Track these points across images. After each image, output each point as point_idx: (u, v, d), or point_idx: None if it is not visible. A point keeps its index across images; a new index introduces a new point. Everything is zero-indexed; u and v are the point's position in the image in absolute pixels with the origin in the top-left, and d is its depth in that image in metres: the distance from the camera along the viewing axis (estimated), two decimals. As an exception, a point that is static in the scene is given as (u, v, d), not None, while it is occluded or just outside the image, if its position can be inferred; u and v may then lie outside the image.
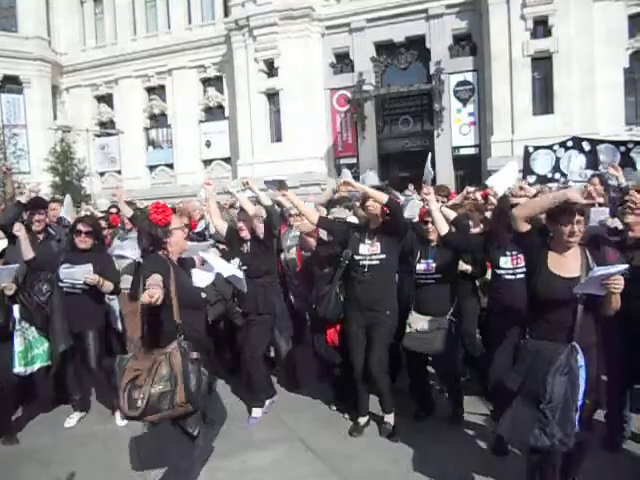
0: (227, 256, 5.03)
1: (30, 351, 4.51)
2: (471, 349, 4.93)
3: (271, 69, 24.76)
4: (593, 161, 8.16)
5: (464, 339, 4.76)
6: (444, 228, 4.26)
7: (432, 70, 22.85)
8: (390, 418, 4.46)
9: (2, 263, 4.78)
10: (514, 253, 4.09)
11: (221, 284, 4.94)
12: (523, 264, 3.79)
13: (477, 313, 5.00)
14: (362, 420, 4.57)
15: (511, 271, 4.14)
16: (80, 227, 4.78)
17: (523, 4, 20.37)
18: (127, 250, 5.40)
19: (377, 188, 4.61)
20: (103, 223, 6.22)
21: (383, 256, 4.34)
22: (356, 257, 4.39)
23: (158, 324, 3.12)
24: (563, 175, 8.11)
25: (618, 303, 2.84)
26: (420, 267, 4.51)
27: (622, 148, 8.04)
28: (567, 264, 2.96)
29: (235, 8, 25.12)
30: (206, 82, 28.09)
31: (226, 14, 26.35)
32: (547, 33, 20.51)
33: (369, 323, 4.37)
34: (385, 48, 24.21)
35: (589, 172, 7.80)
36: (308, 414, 4.97)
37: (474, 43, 22.75)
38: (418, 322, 4.45)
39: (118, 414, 4.93)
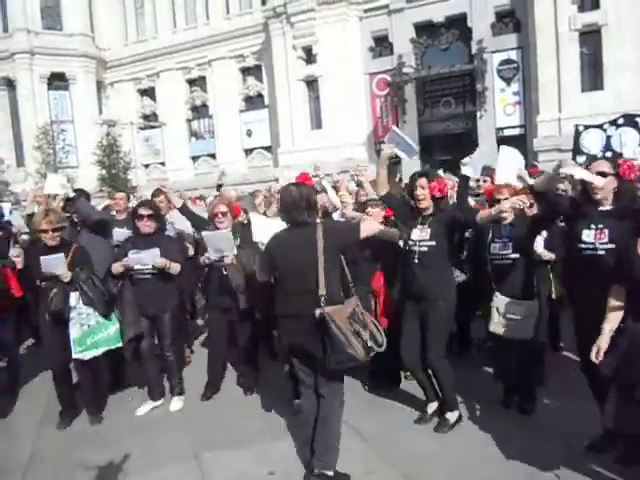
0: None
1: (91, 337, 4.63)
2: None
3: (309, 56, 24.67)
4: (648, 137, 7.81)
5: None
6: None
7: (474, 50, 22.25)
8: (452, 415, 4.21)
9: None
10: (600, 227, 3.54)
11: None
12: (607, 239, 3.47)
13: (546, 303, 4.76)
14: (430, 407, 4.36)
15: (592, 246, 3.57)
16: (142, 211, 4.84)
17: (570, -25, 19.57)
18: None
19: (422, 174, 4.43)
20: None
21: (433, 243, 4.14)
22: (409, 242, 4.24)
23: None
24: (615, 153, 7.77)
25: None
26: (495, 247, 4.28)
27: (677, 122, 7.68)
28: None
29: (272, -4, 25.10)
30: (245, 71, 28.26)
31: (263, 2, 26.35)
32: (595, 5, 19.63)
33: (422, 313, 4.18)
34: (425, 29, 23.72)
35: (645, 149, 7.48)
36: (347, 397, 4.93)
37: (518, 19, 22.01)
38: (508, 306, 4.18)
39: (175, 399, 5.07)
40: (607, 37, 19.45)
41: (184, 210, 5.46)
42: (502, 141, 22.29)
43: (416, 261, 4.15)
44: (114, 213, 6.38)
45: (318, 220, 3.65)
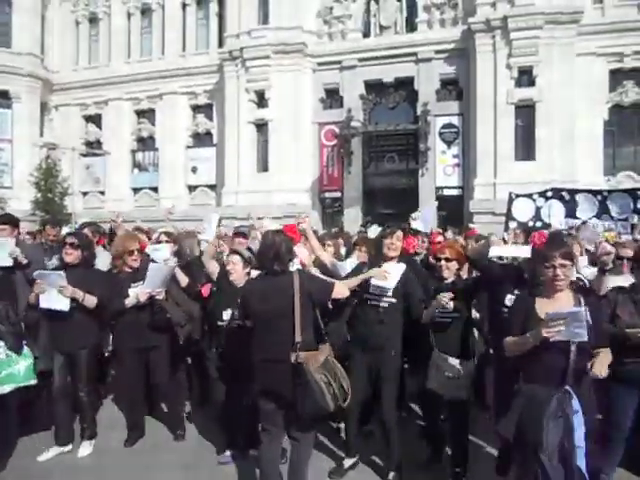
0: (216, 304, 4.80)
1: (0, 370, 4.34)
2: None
3: (261, 100, 25.07)
4: (573, 210, 8.41)
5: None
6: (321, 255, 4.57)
7: (419, 111, 23.33)
8: (395, 477, 4.26)
9: None
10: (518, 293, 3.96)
11: (184, 304, 4.93)
12: None
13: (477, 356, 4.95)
14: (348, 462, 4.38)
15: None
16: (68, 240, 4.74)
17: (509, 54, 21.08)
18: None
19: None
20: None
21: (394, 300, 4.29)
22: (366, 296, 4.33)
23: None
24: (544, 224, 8.32)
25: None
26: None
27: (599, 197, 8.34)
28: (558, 308, 2.94)
29: (230, 39, 25.56)
30: (196, 109, 28.32)
31: (220, 44, 26.79)
32: (531, 83, 21.18)
33: (375, 364, 4.25)
34: (374, 87, 24.73)
35: (569, 221, 8.04)
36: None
37: (460, 88, 23.37)
38: (445, 364, 4.22)
39: (86, 443, 4.83)
40: (540, 112, 20.95)
41: None
42: (441, 200, 23.26)
43: (378, 313, 4.29)
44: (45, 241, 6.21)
45: (293, 269, 3.78)
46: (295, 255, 4.17)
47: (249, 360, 4.64)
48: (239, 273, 4.61)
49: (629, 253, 4.44)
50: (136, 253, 4.97)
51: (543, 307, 3.01)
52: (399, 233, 4.45)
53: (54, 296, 4.42)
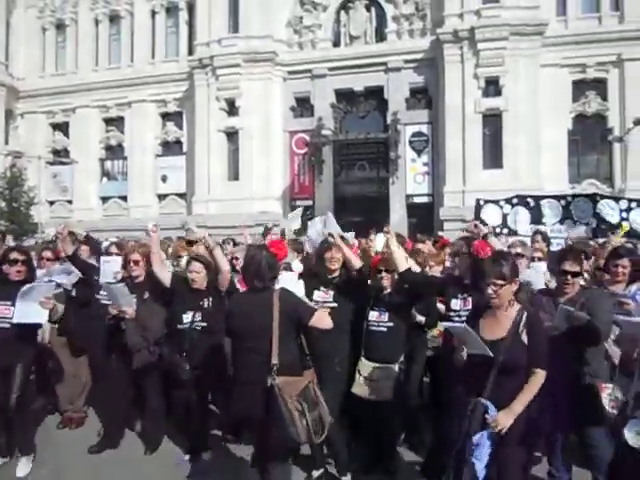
0: (179, 308, 4.74)
1: None
2: (412, 402, 4.91)
3: (232, 108, 25.00)
4: (538, 216, 8.57)
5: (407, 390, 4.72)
6: (403, 265, 4.34)
7: (389, 120, 23.58)
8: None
9: None
10: (464, 296, 4.21)
11: (150, 328, 4.79)
12: (470, 306, 4.00)
13: (424, 364, 5.08)
14: (315, 474, 4.39)
15: (457, 313, 4.22)
16: (15, 256, 4.54)
17: (476, 64, 21.50)
18: (58, 277, 5.29)
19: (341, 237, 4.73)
20: (49, 254, 6.05)
21: (335, 304, 4.39)
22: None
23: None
24: (511, 230, 8.46)
25: None
26: (373, 314, 4.49)
27: (563, 202, 8.53)
28: (495, 327, 3.20)
29: (200, 47, 25.47)
30: (165, 117, 28.07)
31: (190, 52, 26.65)
32: (498, 93, 21.63)
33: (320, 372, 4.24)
34: (345, 96, 24.91)
35: (534, 227, 8.19)
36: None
37: (430, 97, 23.72)
38: (367, 369, 4.40)
39: (23, 460, 4.62)
40: (506, 122, 21.38)
41: (75, 259, 5.32)
42: (411, 207, 23.51)
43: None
44: None
45: (276, 287, 3.61)
46: (279, 272, 4.01)
47: (215, 364, 4.61)
48: (202, 280, 4.71)
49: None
50: (132, 263, 5.02)
51: (485, 322, 3.29)
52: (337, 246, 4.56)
53: (32, 309, 4.31)
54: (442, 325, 4.04)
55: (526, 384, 3.05)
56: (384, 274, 4.52)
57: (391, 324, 4.43)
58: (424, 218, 22.55)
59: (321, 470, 4.43)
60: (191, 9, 26.99)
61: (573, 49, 21.68)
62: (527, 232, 8.14)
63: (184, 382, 4.72)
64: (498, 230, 8.72)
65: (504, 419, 2.97)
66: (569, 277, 3.83)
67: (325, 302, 4.38)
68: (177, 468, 4.64)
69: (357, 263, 4.54)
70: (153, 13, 27.99)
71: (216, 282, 4.75)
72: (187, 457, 4.83)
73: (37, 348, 4.91)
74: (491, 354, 3.06)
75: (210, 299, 4.70)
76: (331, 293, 4.43)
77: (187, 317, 4.60)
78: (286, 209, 24.90)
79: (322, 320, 3.57)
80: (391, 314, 4.44)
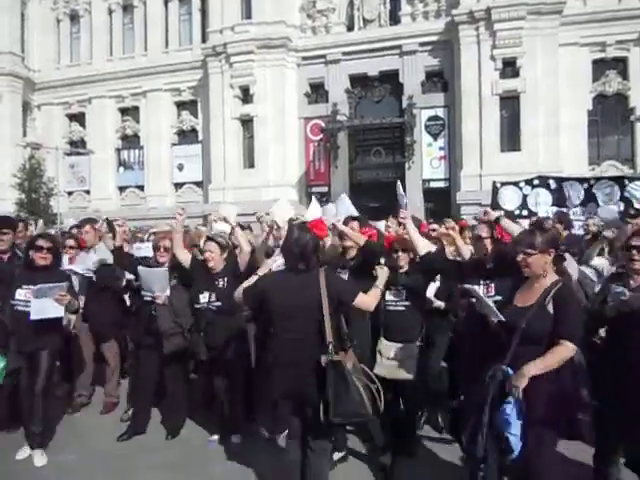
0: (197, 289, 4.81)
1: None
2: (434, 385, 4.92)
3: (246, 95, 24.96)
4: (560, 198, 8.44)
5: (429, 373, 4.72)
6: (424, 247, 4.30)
7: (404, 104, 23.36)
8: (386, 458, 4.28)
9: None
10: (487, 282, 4.09)
11: (181, 314, 4.83)
12: (494, 293, 3.93)
13: (445, 349, 5.05)
14: (337, 455, 4.40)
15: None
16: (41, 243, 4.63)
17: (493, 45, 21.13)
18: (78, 266, 5.37)
19: (354, 218, 4.72)
20: (72, 242, 6.12)
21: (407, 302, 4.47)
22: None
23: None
24: (531, 212, 8.35)
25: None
26: (389, 294, 4.45)
27: (585, 185, 8.38)
28: (527, 295, 3.20)
29: (213, 35, 25.38)
30: (180, 105, 28.12)
31: (204, 40, 26.59)
32: (515, 74, 21.27)
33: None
34: (359, 81, 24.69)
35: (556, 209, 8.07)
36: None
37: (445, 80, 23.41)
38: (388, 350, 4.40)
39: (38, 451, 4.64)
40: (524, 103, 21.05)
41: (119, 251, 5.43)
42: (428, 192, 23.32)
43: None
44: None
45: (321, 268, 3.53)
46: (323, 253, 4.04)
47: (234, 345, 4.61)
48: (218, 259, 4.77)
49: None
50: (163, 250, 5.07)
51: (520, 292, 3.29)
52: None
53: (48, 305, 4.37)
54: (463, 286, 3.98)
55: (549, 352, 2.99)
56: (400, 254, 4.51)
57: (408, 303, 4.43)
58: (441, 203, 22.37)
59: (343, 452, 4.46)
60: (204, -4, 26.91)
61: (592, 27, 21.18)
62: (548, 214, 8.03)
63: (204, 364, 4.80)
64: (517, 212, 8.62)
65: (517, 380, 2.95)
66: (634, 252, 3.56)
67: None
68: (210, 445, 4.79)
69: (360, 240, 4.51)
70: (166, 1, 27.91)
71: (235, 263, 4.80)
72: (215, 437, 4.91)
73: (63, 334, 4.97)
74: (501, 317, 3.10)
75: (225, 279, 4.72)
76: (347, 277, 4.42)
77: (204, 297, 4.67)
78: (302, 196, 24.89)
79: (366, 301, 3.55)
80: (408, 293, 4.43)
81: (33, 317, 4.37)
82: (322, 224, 4.95)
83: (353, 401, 3.18)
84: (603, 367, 3.50)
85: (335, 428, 3.57)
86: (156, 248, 5.12)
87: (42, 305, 4.36)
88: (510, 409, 2.94)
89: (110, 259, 5.55)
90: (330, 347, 3.24)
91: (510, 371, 3.01)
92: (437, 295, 5.02)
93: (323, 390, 3.22)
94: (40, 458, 4.55)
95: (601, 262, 5.16)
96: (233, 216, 5.11)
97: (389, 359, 4.38)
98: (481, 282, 4.09)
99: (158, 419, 5.38)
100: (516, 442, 2.94)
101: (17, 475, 4.37)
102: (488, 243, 4.26)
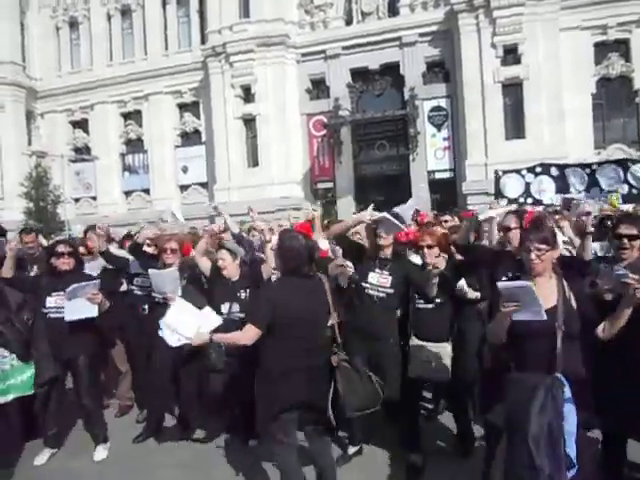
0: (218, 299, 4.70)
1: (5, 381, 4.32)
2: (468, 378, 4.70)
3: (247, 95, 24.95)
4: (563, 185, 8.39)
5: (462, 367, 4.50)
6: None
7: (406, 96, 23.26)
8: (417, 458, 4.20)
9: None
10: (517, 275, 3.95)
11: None
12: None
13: (478, 341, 4.91)
14: (352, 449, 4.40)
15: None
16: (61, 249, 4.69)
17: (493, 33, 20.98)
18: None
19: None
20: (82, 249, 6.16)
21: (392, 291, 4.27)
22: (364, 285, 4.30)
23: None
24: (535, 200, 8.30)
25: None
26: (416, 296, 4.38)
27: (587, 170, 8.32)
28: (542, 295, 2.84)
29: (212, 35, 25.37)
30: (182, 107, 28.16)
31: (203, 41, 26.59)
32: (517, 60, 21.11)
33: (373, 352, 4.19)
34: (360, 74, 24.61)
35: (560, 196, 8.01)
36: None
37: (447, 70, 23.28)
38: (420, 349, 4.28)
39: (100, 447, 4.79)
40: (527, 90, 20.89)
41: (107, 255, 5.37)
42: (433, 183, 23.25)
43: (375, 303, 4.26)
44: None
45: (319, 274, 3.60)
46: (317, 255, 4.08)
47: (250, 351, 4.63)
48: (231, 267, 4.71)
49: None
50: (169, 252, 5.04)
51: None
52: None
53: (81, 305, 4.40)
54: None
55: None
56: (426, 251, 4.33)
57: (438, 300, 4.28)
58: (447, 193, 22.28)
59: (358, 447, 4.44)
60: (201, -3, 26.90)
61: (593, 10, 20.96)
62: (552, 201, 7.98)
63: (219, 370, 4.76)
64: (521, 200, 8.56)
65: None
66: (625, 241, 3.54)
67: (381, 287, 4.27)
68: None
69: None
70: (164, 4, 27.94)
71: (257, 273, 4.74)
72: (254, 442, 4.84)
73: (98, 339, 4.92)
74: (545, 317, 2.77)
75: (248, 290, 4.68)
76: (389, 278, 4.27)
77: (225, 307, 4.59)
78: (307, 193, 24.89)
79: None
80: (438, 290, 4.22)
81: (68, 318, 4.38)
82: (309, 229, 4.90)
83: (367, 391, 3.34)
84: (607, 359, 3.36)
85: (346, 422, 3.75)
86: (162, 250, 5.12)
87: (76, 305, 4.38)
88: (572, 420, 2.73)
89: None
90: (339, 347, 3.39)
91: (564, 380, 2.76)
92: (469, 284, 4.81)
93: (328, 392, 3.32)
94: (101, 453, 4.76)
95: (594, 245, 5.04)
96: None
97: (423, 360, 4.27)
98: (509, 274, 3.80)
99: (172, 421, 5.39)
100: (574, 455, 2.72)
101: (32, 477, 4.41)
102: (517, 234, 4.06)
